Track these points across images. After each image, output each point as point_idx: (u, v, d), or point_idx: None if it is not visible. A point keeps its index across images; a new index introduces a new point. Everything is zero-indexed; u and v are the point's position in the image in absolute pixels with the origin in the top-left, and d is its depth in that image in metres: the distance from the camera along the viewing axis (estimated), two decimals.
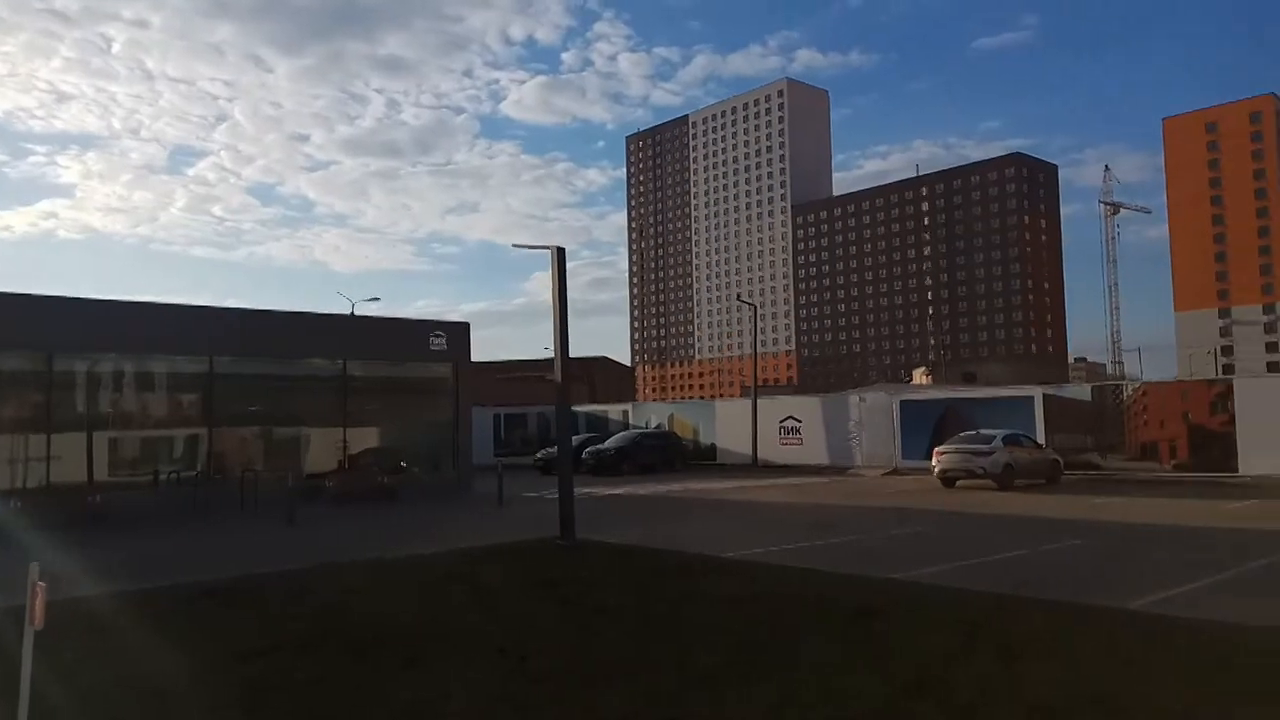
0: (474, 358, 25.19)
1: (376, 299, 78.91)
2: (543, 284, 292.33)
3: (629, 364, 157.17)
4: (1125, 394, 26.44)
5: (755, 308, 44.40)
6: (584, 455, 29.31)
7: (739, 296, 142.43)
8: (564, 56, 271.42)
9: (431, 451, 24.08)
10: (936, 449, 23.34)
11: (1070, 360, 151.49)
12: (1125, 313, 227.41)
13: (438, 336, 23.38)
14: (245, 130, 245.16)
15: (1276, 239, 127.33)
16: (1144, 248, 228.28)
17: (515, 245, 31.42)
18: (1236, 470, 22.70)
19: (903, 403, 29.61)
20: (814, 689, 5.62)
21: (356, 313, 40.60)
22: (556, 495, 12.94)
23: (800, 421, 31.90)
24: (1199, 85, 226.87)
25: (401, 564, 11.09)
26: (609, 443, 31.47)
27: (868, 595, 8.61)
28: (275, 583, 9.82)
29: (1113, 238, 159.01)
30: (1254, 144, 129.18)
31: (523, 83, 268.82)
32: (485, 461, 29.14)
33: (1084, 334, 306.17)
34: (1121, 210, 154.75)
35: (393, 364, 23.47)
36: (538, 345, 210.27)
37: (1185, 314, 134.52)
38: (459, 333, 24.02)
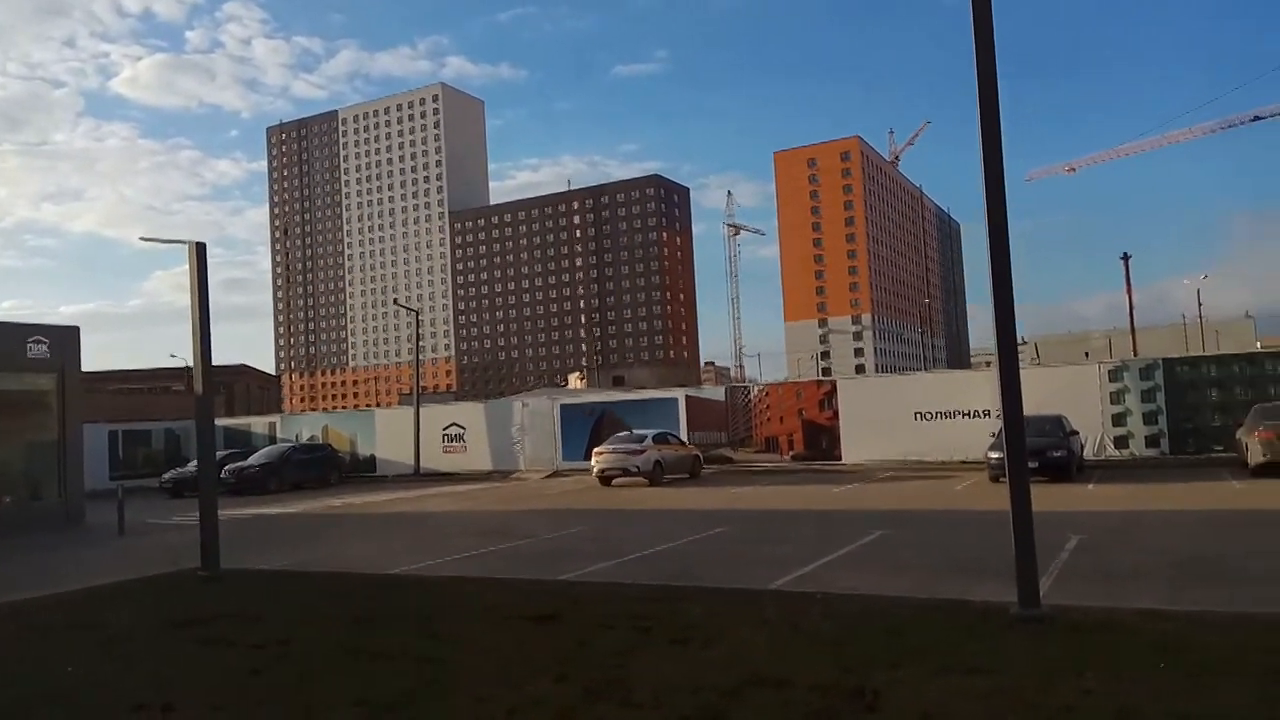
0: (84, 367, 21.79)
1: None
2: (165, 284, 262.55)
3: (274, 372, 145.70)
4: (752, 394, 29.52)
5: (418, 313, 43.34)
6: (224, 473, 26.60)
7: (396, 301, 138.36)
8: (189, 35, 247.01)
9: (30, 477, 20.43)
10: (595, 450, 24.39)
11: (702, 364, 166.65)
12: (745, 322, 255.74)
13: (38, 343, 19.89)
14: None
15: (861, 261, 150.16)
16: (760, 265, 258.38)
17: (143, 239, 27.53)
18: (841, 459, 26.30)
19: (563, 406, 30.60)
20: (502, 701, 5.53)
21: None
22: (189, 521, 11.57)
23: (464, 428, 31.70)
24: (804, 123, 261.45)
25: (3, 613, 9.23)
26: (254, 458, 28.94)
27: (544, 599, 8.69)
28: None
29: (734, 256, 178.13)
30: (844, 179, 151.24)
31: (139, 59, 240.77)
32: (101, 486, 25.43)
33: (712, 341, 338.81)
34: (741, 232, 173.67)
35: None
36: (160, 353, 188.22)
37: (793, 323, 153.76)
38: (66, 338, 20.62)
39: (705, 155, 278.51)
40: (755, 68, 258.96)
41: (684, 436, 27.08)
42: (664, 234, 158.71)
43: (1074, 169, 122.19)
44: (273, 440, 33.81)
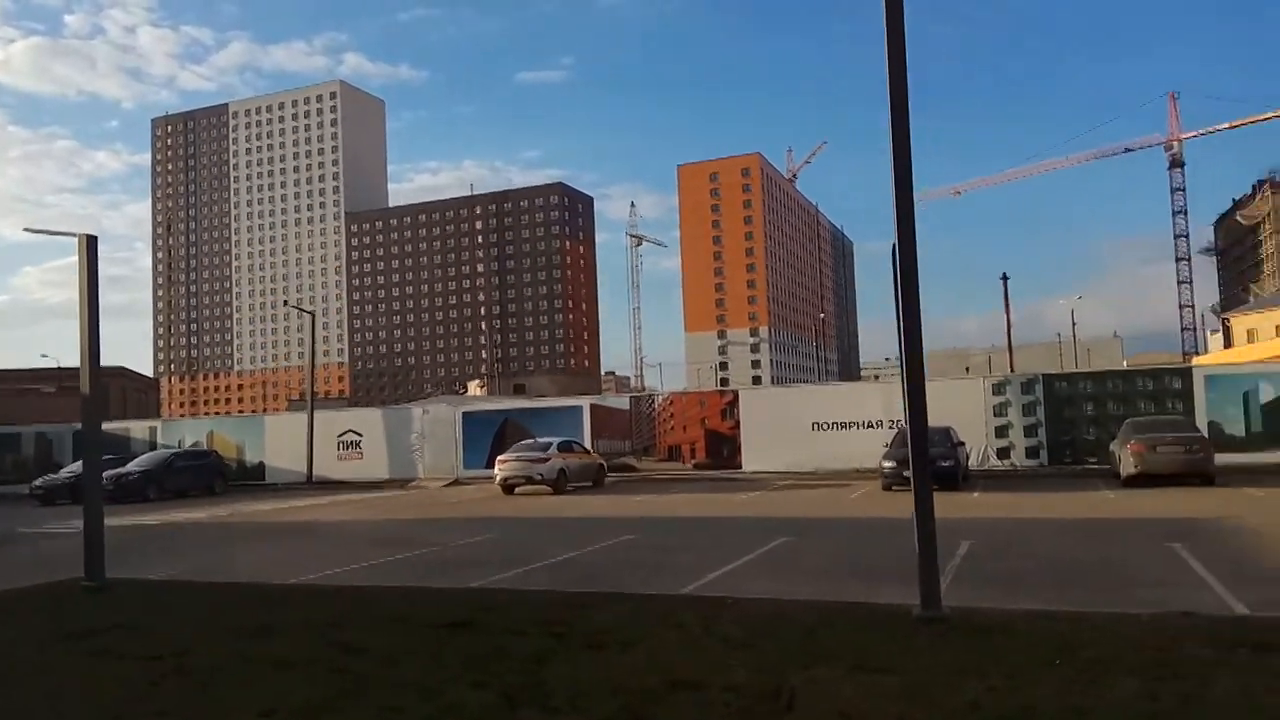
0: None
1: None
2: (33, 279, 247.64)
3: (152, 375, 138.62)
4: (656, 403, 29.76)
5: (314, 315, 42.08)
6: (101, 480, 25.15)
7: (286, 302, 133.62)
8: (68, 19, 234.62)
9: None
10: (498, 458, 24.14)
11: (603, 374, 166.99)
12: (646, 332, 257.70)
13: None
14: None
15: (760, 275, 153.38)
16: (661, 276, 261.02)
17: (28, 230, 25.43)
18: (741, 467, 26.77)
19: (465, 414, 30.17)
20: (418, 709, 5.43)
21: None
22: (64, 530, 10.92)
23: (361, 435, 30.87)
24: (706, 138, 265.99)
25: None
26: (133, 465, 27.49)
27: (454, 607, 8.54)
28: None
29: (636, 266, 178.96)
30: (745, 194, 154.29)
31: (11, 41, 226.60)
32: None
33: (613, 350, 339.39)
34: (643, 242, 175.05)
35: None
36: (26, 352, 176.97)
37: (693, 334, 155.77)
38: None
39: (609, 165, 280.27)
40: (660, 81, 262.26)
41: (588, 445, 27.07)
42: (567, 242, 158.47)
43: (960, 192, 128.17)
44: (153, 446, 32.19)
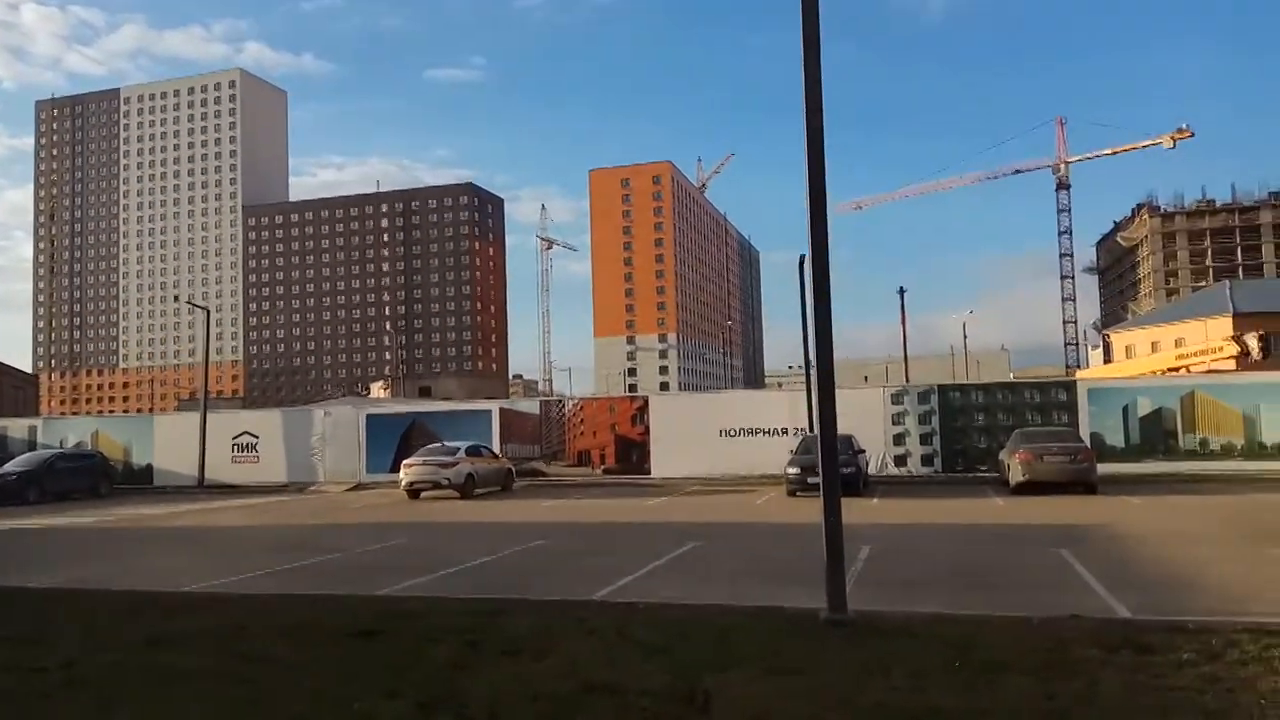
0: None
1: None
2: None
3: (30, 371, 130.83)
4: (566, 408, 29.71)
5: (209, 312, 40.50)
6: None
7: (177, 297, 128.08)
8: None
9: None
10: (405, 462, 23.70)
11: (511, 377, 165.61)
12: (555, 336, 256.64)
13: None
14: None
15: (669, 281, 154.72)
16: (571, 280, 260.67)
17: None
18: (650, 473, 26.96)
19: (369, 417, 29.51)
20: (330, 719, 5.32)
21: None
22: None
23: (257, 437, 29.84)
24: (617, 144, 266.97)
25: None
26: (10, 465, 26.01)
27: (363, 615, 8.37)
28: None
29: (547, 270, 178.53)
30: (655, 201, 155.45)
31: None
32: None
33: (521, 354, 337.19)
34: (554, 246, 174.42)
35: None
36: None
37: (602, 339, 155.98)
38: None
39: (520, 167, 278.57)
40: (573, 85, 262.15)
41: (497, 449, 26.82)
42: (476, 243, 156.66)
43: (861, 207, 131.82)
44: (33, 446, 30.47)
